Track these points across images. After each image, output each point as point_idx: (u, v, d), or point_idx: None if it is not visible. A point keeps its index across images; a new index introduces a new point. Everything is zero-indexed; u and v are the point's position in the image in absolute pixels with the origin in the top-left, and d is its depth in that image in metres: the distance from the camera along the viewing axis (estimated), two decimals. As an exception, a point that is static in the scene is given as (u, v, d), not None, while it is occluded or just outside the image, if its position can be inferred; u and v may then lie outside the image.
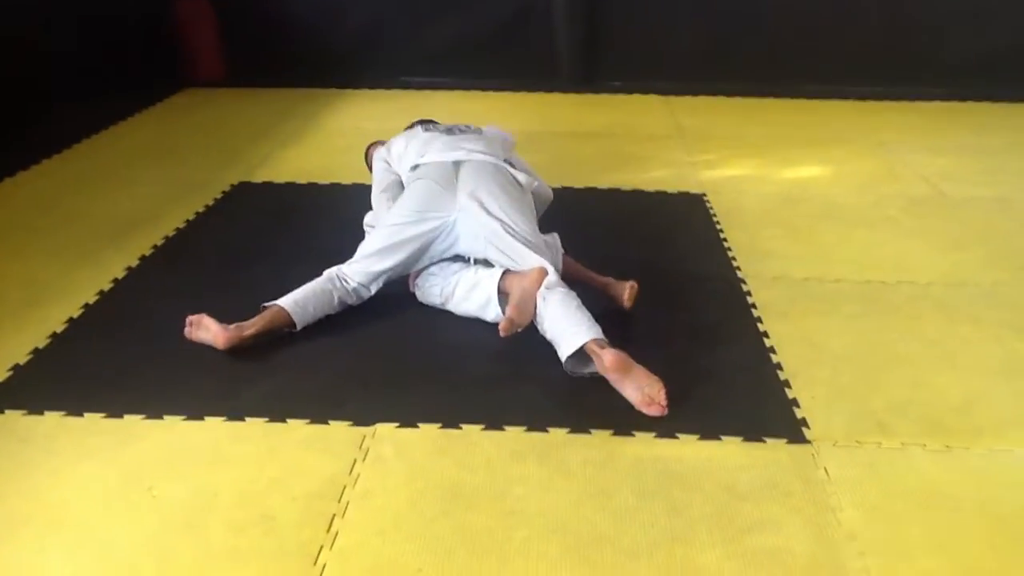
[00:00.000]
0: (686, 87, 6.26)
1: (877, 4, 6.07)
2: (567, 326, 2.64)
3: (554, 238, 3.05)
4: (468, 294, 2.93)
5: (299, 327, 2.87)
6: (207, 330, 2.80)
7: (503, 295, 2.85)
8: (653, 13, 6.25)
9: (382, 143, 3.61)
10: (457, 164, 3.05)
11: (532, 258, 2.82)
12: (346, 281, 2.97)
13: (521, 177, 3.08)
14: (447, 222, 2.95)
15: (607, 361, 2.52)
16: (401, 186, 3.26)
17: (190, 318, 2.85)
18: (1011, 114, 5.81)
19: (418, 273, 3.07)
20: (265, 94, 6.25)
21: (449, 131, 3.31)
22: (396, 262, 2.98)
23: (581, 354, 2.61)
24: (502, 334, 2.68)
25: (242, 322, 2.80)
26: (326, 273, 2.99)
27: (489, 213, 2.89)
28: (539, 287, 2.74)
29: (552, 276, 2.77)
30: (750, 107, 6.02)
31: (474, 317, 2.96)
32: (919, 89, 6.12)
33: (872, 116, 5.78)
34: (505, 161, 3.14)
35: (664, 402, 2.47)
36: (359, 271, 2.98)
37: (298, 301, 2.88)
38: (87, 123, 5.25)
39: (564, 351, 2.62)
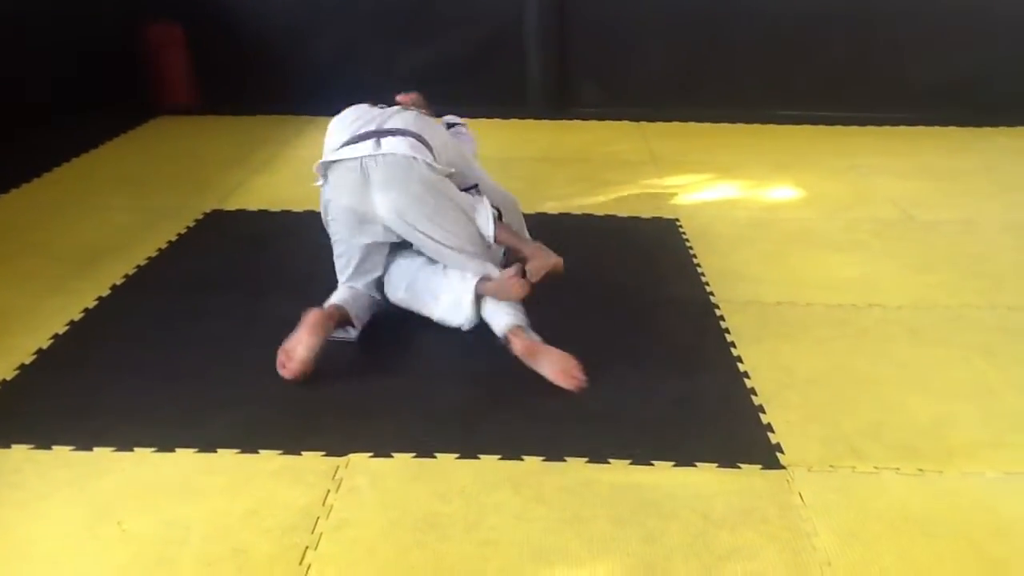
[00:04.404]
0: (658, 113, 6.31)
1: (844, 29, 6.17)
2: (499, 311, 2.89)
3: (483, 201, 3.00)
4: (437, 298, 2.99)
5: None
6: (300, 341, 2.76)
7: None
8: (624, 39, 6.31)
9: None
10: (366, 169, 2.83)
11: (474, 266, 2.93)
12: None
13: (438, 166, 2.93)
14: (382, 232, 2.95)
15: (516, 348, 2.79)
16: None
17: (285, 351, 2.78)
18: (977, 138, 5.90)
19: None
20: (237, 122, 6.23)
21: (375, 119, 3.07)
22: (361, 276, 3.05)
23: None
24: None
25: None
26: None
27: (416, 230, 2.89)
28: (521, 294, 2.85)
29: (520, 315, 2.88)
30: (721, 132, 6.08)
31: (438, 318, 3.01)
32: (887, 114, 6.22)
33: (841, 140, 5.85)
34: (426, 143, 2.95)
35: (580, 375, 2.71)
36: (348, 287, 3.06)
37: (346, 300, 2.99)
38: (57, 151, 5.20)
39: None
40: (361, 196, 2.87)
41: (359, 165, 2.84)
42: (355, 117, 3.10)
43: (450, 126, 3.59)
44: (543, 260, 2.94)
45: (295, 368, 2.73)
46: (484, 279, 2.91)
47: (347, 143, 2.93)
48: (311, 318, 2.80)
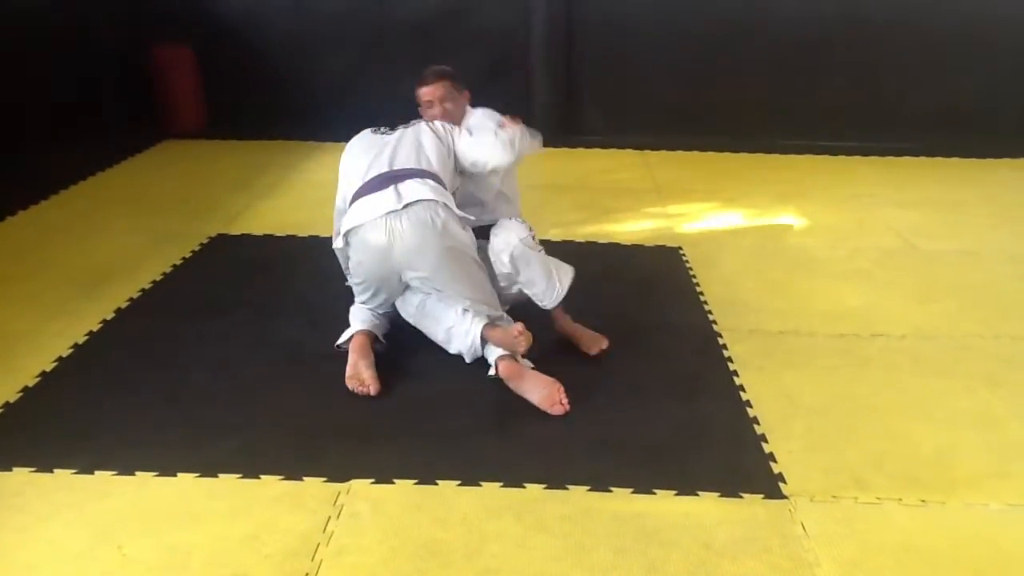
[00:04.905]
0: (661, 141, 6.34)
1: (848, 60, 6.22)
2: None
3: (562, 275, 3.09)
4: (443, 326, 3.03)
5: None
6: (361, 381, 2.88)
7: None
8: (629, 68, 6.36)
9: None
10: (391, 233, 2.83)
11: (485, 308, 2.96)
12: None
13: (460, 213, 2.95)
14: (404, 285, 3.03)
15: (500, 370, 2.84)
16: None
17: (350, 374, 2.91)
18: (979, 169, 5.93)
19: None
20: (243, 146, 6.27)
21: (381, 156, 3.04)
22: (378, 303, 3.10)
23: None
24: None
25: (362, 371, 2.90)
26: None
27: (437, 289, 2.97)
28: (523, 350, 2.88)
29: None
30: (724, 161, 6.10)
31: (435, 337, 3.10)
32: (889, 144, 6.25)
33: (844, 170, 5.87)
34: (440, 181, 2.98)
35: (565, 401, 2.73)
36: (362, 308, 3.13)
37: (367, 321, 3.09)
38: (65, 173, 5.24)
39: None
40: (385, 262, 2.90)
41: (384, 227, 2.84)
42: (364, 148, 3.11)
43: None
44: (598, 345, 3.10)
45: (373, 385, 2.84)
46: (491, 324, 2.93)
47: (361, 191, 2.93)
48: (358, 344, 2.98)
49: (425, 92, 3.33)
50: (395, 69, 6.38)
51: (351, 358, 2.94)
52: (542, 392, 2.77)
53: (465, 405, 2.82)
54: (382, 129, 3.19)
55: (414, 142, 3.07)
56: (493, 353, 2.90)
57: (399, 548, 2.15)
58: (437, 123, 3.18)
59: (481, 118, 3.32)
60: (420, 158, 3.01)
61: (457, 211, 2.92)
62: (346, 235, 2.93)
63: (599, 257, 4.18)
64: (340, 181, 3.17)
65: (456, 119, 3.32)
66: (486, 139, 3.10)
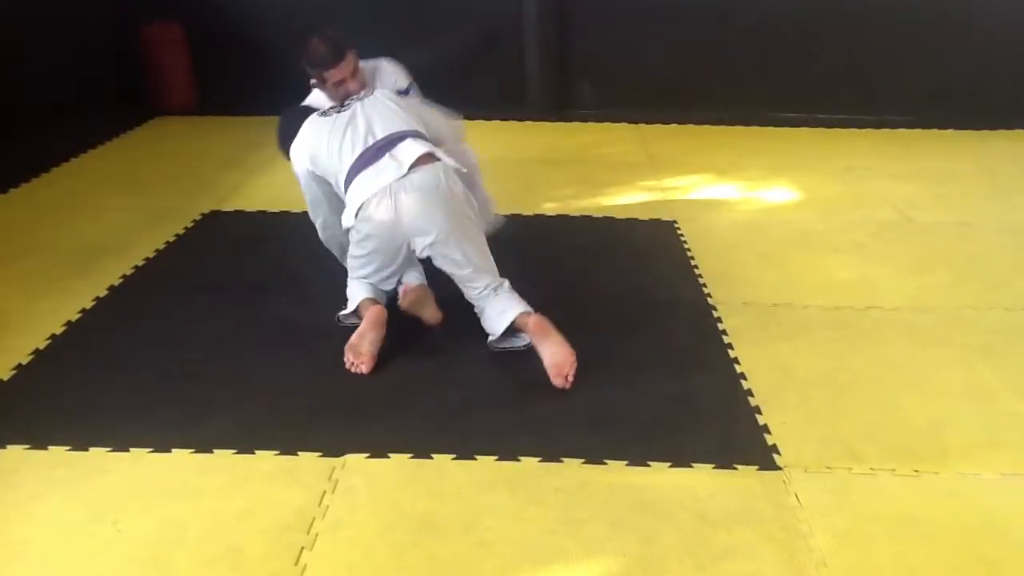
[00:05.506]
0: (656, 115, 6.30)
1: (842, 32, 6.18)
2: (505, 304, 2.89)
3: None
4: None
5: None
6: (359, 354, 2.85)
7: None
8: (623, 41, 6.31)
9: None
10: (398, 204, 2.80)
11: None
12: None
13: (454, 163, 2.94)
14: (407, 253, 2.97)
15: (531, 323, 2.80)
16: (330, 199, 3.16)
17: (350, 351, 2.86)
18: (975, 141, 5.90)
19: None
20: (235, 122, 6.22)
21: (356, 130, 2.95)
22: (380, 278, 3.04)
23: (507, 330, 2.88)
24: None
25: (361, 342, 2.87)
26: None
27: (448, 257, 2.89)
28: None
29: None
30: (719, 134, 6.07)
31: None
32: (885, 116, 6.22)
33: (839, 142, 5.85)
34: (422, 136, 2.96)
35: (571, 377, 2.72)
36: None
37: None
38: (57, 151, 5.20)
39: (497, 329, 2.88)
40: (394, 233, 2.86)
41: (389, 197, 2.79)
42: (319, 131, 2.99)
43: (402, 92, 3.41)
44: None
45: (367, 363, 2.82)
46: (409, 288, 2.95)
47: (355, 168, 2.86)
48: (373, 316, 2.91)
49: (336, 72, 3.10)
50: (388, 44, 6.30)
51: (362, 327, 2.90)
52: (558, 359, 2.74)
53: (459, 380, 2.83)
54: (330, 110, 3.05)
55: (381, 110, 2.98)
56: (506, 316, 2.85)
57: (394, 522, 2.16)
58: (387, 92, 3.10)
59: (392, 75, 3.42)
60: (397, 121, 2.94)
61: (452, 162, 2.89)
62: (356, 211, 2.86)
63: (594, 231, 4.17)
64: (302, 178, 3.11)
65: (369, 81, 3.26)
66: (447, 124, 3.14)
